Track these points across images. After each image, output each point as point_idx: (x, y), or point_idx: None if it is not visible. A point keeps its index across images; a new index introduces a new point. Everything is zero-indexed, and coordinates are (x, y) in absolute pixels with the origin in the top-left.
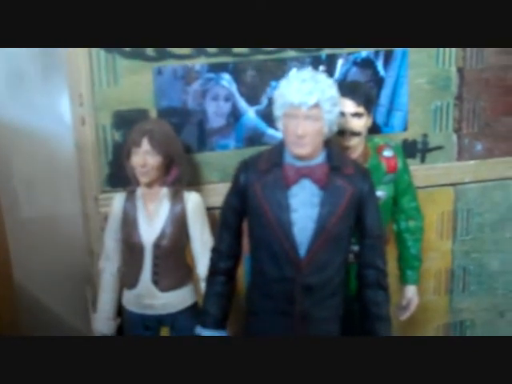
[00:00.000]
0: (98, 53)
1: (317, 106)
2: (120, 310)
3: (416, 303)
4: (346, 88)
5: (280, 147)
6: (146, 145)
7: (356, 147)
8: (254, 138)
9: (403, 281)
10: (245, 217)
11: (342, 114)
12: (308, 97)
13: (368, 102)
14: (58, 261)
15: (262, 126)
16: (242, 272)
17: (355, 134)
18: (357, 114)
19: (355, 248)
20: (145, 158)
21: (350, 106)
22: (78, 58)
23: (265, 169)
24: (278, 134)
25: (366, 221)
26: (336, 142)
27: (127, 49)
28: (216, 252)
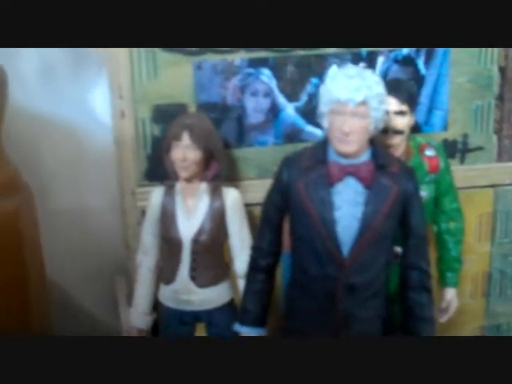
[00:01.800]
0: None
1: (364, 103)
2: (156, 305)
3: (456, 306)
4: (390, 85)
5: (324, 144)
6: (186, 139)
7: (398, 146)
8: (293, 135)
9: (443, 283)
10: (286, 214)
11: (386, 112)
12: (355, 93)
13: (411, 100)
14: (87, 255)
15: (301, 122)
16: (280, 269)
17: (398, 132)
18: (400, 112)
19: (396, 248)
20: (185, 153)
21: (393, 103)
22: (118, 50)
23: (308, 166)
24: (317, 131)
25: (410, 220)
26: (379, 140)
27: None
28: (256, 249)
